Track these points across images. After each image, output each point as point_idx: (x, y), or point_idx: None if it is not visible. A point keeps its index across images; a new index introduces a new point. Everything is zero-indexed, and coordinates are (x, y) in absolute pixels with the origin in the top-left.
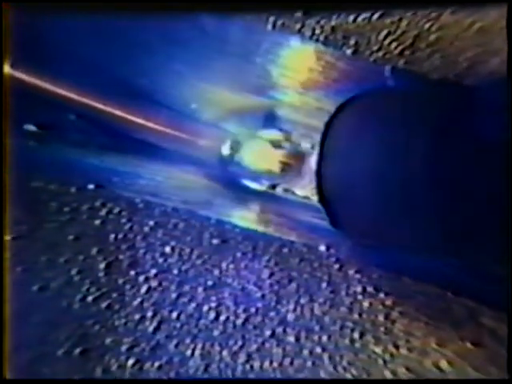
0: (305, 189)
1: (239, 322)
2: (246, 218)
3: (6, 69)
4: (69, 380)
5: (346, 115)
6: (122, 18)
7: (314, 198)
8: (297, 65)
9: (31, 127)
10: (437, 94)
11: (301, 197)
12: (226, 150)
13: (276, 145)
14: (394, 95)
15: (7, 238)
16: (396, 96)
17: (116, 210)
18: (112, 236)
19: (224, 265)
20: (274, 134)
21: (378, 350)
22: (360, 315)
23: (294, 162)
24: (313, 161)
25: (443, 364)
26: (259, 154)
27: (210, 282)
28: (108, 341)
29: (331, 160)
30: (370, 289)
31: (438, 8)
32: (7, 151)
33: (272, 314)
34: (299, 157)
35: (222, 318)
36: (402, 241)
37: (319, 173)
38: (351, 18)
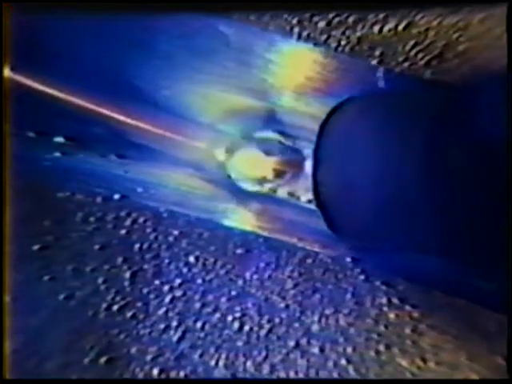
0: (303, 192)
1: (263, 332)
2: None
3: (7, 70)
4: (69, 380)
5: (339, 118)
6: (122, 19)
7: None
8: (294, 67)
9: (60, 139)
10: (432, 95)
11: (304, 201)
12: (221, 155)
13: (269, 152)
14: (387, 97)
15: (35, 247)
16: (390, 98)
17: (141, 220)
18: (137, 246)
19: (248, 275)
20: (271, 136)
21: (405, 362)
22: (386, 327)
23: (288, 168)
24: (309, 164)
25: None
26: (251, 163)
27: (233, 292)
28: (133, 350)
29: (326, 163)
30: (395, 300)
31: (438, 8)
32: (7, 155)
33: (296, 324)
34: (295, 161)
35: (246, 328)
36: (398, 243)
37: (315, 176)
38: (377, 28)
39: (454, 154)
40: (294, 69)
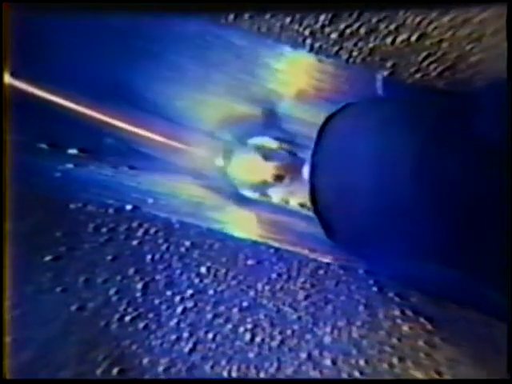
0: (298, 197)
1: (275, 344)
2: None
3: (7, 76)
4: (69, 380)
5: (336, 124)
6: (131, 29)
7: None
8: (294, 74)
9: (73, 150)
10: (430, 101)
11: (297, 205)
12: (219, 162)
13: (267, 156)
14: (384, 103)
15: (47, 258)
16: (387, 104)
17: (152, 231)
18: (149, 256)
19: (259, 286)
20: (269, 143)
21: (420, 375)
22: (399, 340)
23: (286, 173)
24: (306, 170)
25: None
26: (250, 168)
27: (245, 304)
28: (145, 361)
29: (322, 169)
30: (409, 312)
31: (437, 9)
32: (7, 158)
33: (308, 336)
34: (292, 167)
35: (258, 339)
36: (396, 250)
37: (312, 182)
38: (389, 39)
39: (451, 160)
40: (293, 75)
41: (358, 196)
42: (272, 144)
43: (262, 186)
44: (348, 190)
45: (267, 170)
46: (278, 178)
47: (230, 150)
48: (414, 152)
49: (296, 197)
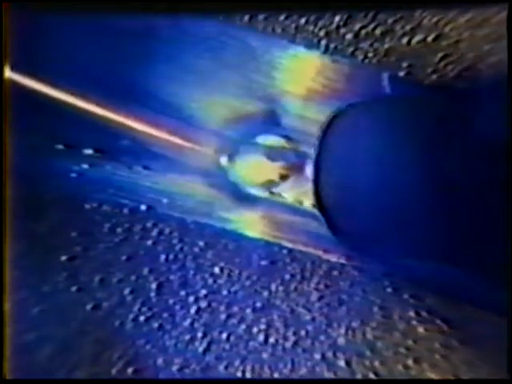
0: (300, 194)
1: (289, 344)
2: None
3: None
4: (69, 380)
5: (340, 123)
6: (124, 19)
7: (308, 204)
8: (301, 72)
9: (89, 151)
10: (433, 101)
11: (294, 201)
12: (224, 161)
13: (272, 156)
14: (388, 102)
15: (63, 258)
16: (391, 103)
17: (167, 231)
18: (163, 256)
19: (273, 286)
20: (275, 141)
21: (436, 377)
22: (415, 341)
23: (292, 173)
24: (310, 168)
25: None
26: (255, 169)
27: (258, 304)
28: (159, 361)
29: (327, 167)
30: (424, 314)
31: (439, 8)
32: (7, 159)
33: (322, 337)
34: (298, 166)
35: (272, 340)
36: (399, 248)
37: (316, 180)
38: (405, 40)
39: (454, 159)
40: (299, 74)
41: (361, 194)
42: (279, 143)
43: (268, 185)
44: (351, 188)
45: (273, 169)
46: (284, 177)
47: (236, 148)
48: (417, 151)
49: (303, 195)
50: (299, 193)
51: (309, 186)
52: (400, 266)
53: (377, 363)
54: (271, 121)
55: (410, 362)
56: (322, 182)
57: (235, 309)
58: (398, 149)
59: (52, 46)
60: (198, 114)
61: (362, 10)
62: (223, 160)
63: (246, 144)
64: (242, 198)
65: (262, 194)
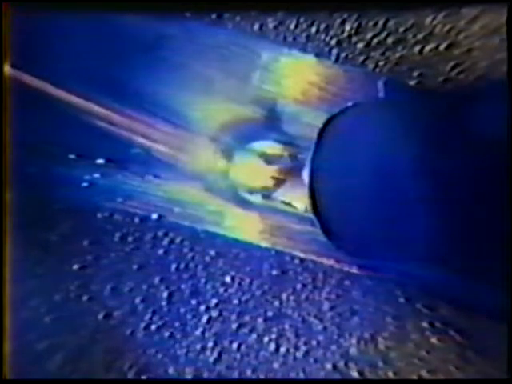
0: (300, 201)
1: (300, 354)
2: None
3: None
4: (69, 380)
5: (336, 127)
6: (123, 19)
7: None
8: (296, 77)
9: (101, 160)
10: (429, 104)
11: (299, 210)
12: (221, 165)
13: (269, 160)
14: (383, 106)
15: (75, 267)
16: (386, 107)
17: (178, 240)
18: (174, 265)
19: (284, 296)
20: (271, 146)
21: None
22: (428, 352)
23: (287, 177)
24: (306, 173)
25: None
26: (251, 171)
27: (269, 313)
28: (171, 370)
29: (322, 171)
30: (438, 324)
31: (436, 8)
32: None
33: (333, 347)
34: (294, 170)
35: (283, 349)
36: (395, 253)
37: (312, 185)
38: (417, 48)
39: (452, 163)
40: (296, 79)
41: (357, 198)
42: (275, 148)
43: (265, 191)
44: (347, 192)
45: (269, 173)
46: (280, 182)
47: (231, 153)
48: (414, 154)
49: (298, 201)
50: (290, 197)
51: (301, 190)
52: (400, 272)
53: (390, 374)
54: (275, 126)
55: (423, 372)
56: (318, 185)
57: (246, 318)
58: (394, 152)
59: (56, 53)
60: (202, 122)
61: (370, 14)
62: (221, 165)
63: (243, 150)
64: (236, 202)
65: (257, 199)
